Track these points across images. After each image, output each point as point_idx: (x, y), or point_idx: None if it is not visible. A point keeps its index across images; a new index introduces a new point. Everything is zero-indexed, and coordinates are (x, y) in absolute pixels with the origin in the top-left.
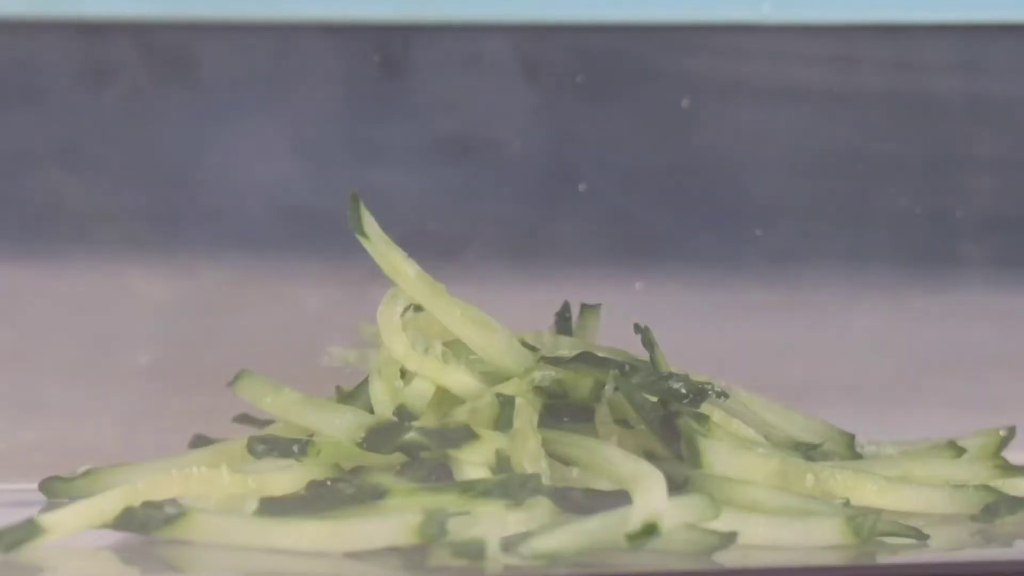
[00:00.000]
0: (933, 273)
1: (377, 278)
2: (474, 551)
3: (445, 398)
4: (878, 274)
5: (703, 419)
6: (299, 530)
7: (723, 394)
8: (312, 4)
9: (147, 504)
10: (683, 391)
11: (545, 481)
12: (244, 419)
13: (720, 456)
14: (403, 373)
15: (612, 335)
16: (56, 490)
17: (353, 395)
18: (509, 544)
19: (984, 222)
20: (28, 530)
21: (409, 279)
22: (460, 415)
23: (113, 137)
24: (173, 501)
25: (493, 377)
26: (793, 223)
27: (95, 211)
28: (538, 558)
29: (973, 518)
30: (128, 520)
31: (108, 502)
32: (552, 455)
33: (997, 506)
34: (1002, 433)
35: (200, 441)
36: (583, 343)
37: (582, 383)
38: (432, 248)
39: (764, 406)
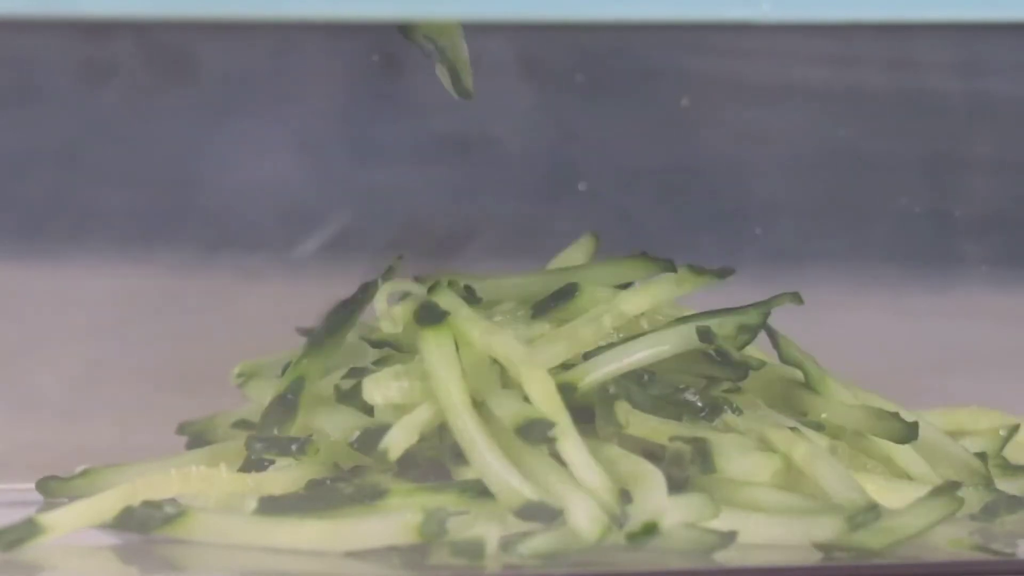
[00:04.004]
0: (933, 272)
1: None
2: (474, 550)
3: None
4: (878, 273)
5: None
6: (299, 529)
7: (738, 409)
8: (312, 2)
9: (146, 503)
10: (698, 404)
11: None
12: (241, 424)
13: (729, 458)
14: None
15: None
16: (53, 489)
17: (350, 394)
18: (508, 543)
19: (984, 222)
20: (27, 529)
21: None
22: None
23: (112, 136)
24: (172, 500)
25: None
26: (793, 223)
27: (95, 211)
28: (537, 557)
29: (973, 517)
30: (127, 519)
31: (107, 501)
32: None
33: (996, 505)
34: (1002, 433)
35: (190, 430)
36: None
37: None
38: (432, 247)
39: None
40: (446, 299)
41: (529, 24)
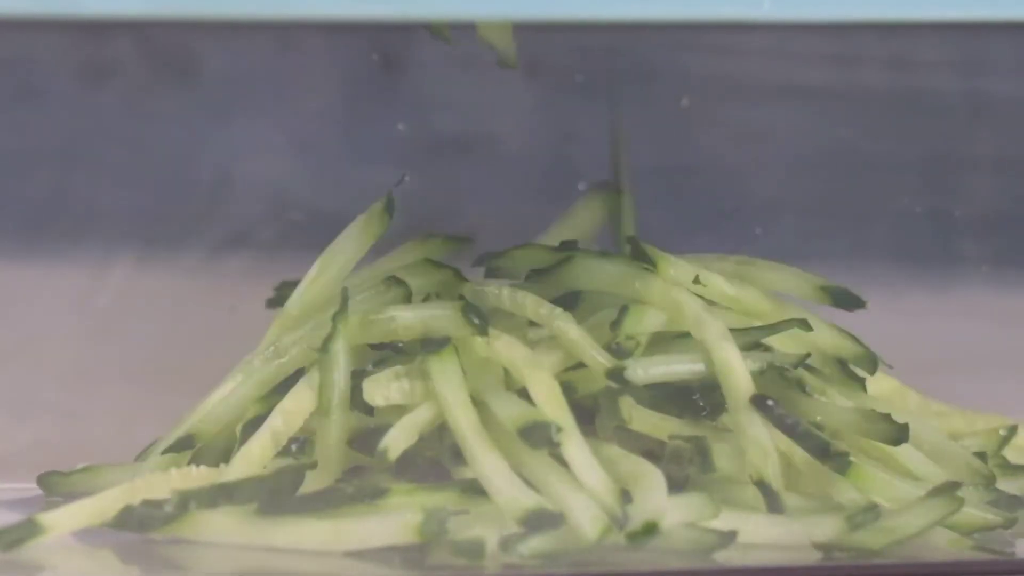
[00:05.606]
0: (933, 272)
1: None
2: (474, 550)
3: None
4: (878, 273)
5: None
6: (299, 529)
7: None
8: (312, 2)
9: (146, 502)
10: (700, 403)
11: None
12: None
13: (728, 458)
14: None
15: None
16: (54, 485)
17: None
18: (508, 543)
19: (984, 222)
20: (28, 529)
21: None
22: None
23: (112, 135)
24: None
25: None
26: (793, 223)
27: (95, 211)
28: (537, 557)
29: None
30: (127, 519)
31: (107, 501)
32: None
33: (996, 505)
34: (1002, 432)
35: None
36: None
37: (593, 382)
38: None
39: None
40: None
41: (529, 24)
